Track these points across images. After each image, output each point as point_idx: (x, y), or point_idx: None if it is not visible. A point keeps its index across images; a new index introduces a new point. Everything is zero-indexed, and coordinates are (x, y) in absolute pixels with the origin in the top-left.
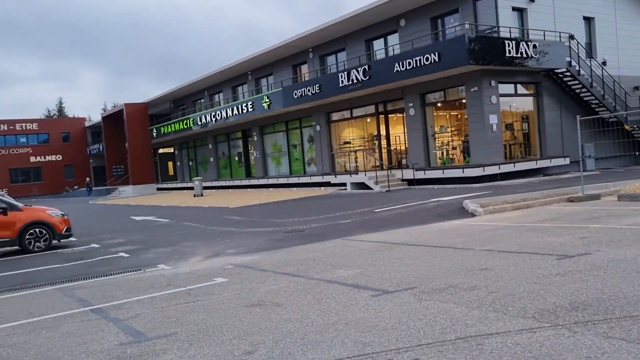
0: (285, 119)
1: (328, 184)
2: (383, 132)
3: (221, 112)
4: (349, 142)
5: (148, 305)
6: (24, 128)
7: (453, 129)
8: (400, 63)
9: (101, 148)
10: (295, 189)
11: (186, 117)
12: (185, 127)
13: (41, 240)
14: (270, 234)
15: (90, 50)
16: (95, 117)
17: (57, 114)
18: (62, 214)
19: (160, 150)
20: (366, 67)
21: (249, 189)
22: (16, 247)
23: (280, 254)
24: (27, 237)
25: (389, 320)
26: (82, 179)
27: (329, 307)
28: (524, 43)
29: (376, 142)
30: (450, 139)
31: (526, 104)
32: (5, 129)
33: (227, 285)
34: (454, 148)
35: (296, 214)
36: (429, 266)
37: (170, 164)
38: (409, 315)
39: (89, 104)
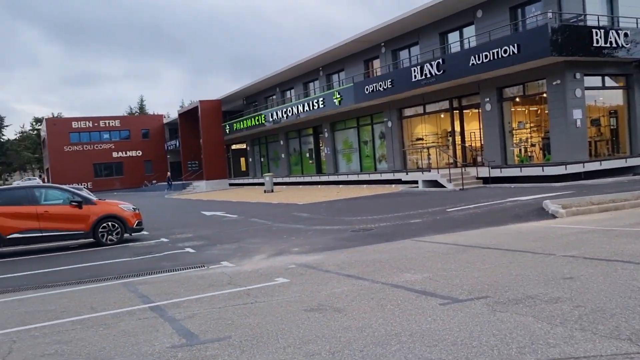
0: (357, 115)
1: (399, 182)
2: (457, 128)
3: (292, 109)
4: (422, 139)
5: (206, 305)
6: (107, 125)
7: (532, 124)
8: (477, 56)
9: (177, 144)
10: (365, 186)
11: (258, 113)
12: (257, 123)
13: (113, 234)
14: (337, 233)
15: (171, 50)
16: (173, 114)
17: (138, 111)
18: (133, 209)
19: (234, 146)
20: (440, 60)
21: (319, 186)
22: (90, 240)
23: (345, 254)
24: (100, 230)
25: (459, 333)
26: (160, 174)
27: (392, 315)
28: (613, 32)
29: (450, 138)
30: (529, 135)
31: (615, 97)
32: (90, 125)
33: (287, 286)
34: (532, 145)
35: (365, 212)
36: (504, 272)
37: (242, 159)
38: (481, 329)
39: (168, 102)
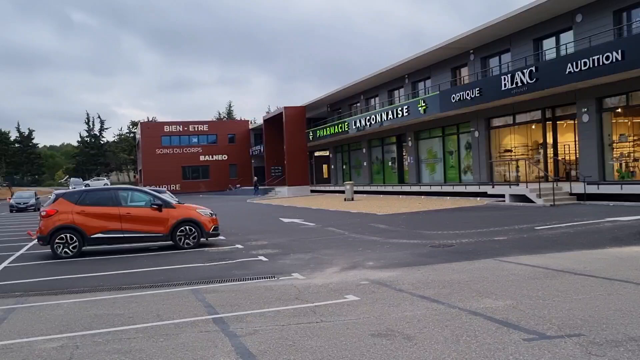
0: (442, 124)
1: (484, 195)
2: (549, 140)
3: (376, 116)
4: (510, 150)
5: (269, 321)
6: (196, 129)
7: (636, 137)
8: (574, 63)
9: (262, 149)
10: (448, 198)
11: (342, 120)
12: (341, 130)
13: (190, 238)
14: (415, 247)
15: (261, 57)
16: (259, 119)
17: (226, 116)
18: (210, 213)
19: (316, 153)
20: (533, 68)
21: (400, 196)
22: (169, 243)
23: (422, 271)
24: (178, 233)
25: None
26: (244, 178)
27: (468, 350)
28: None
29: (541, 150)
30: (631, 149)
31: None
32: (180, 129)
33: (357, 305)
34: (635, 160)
35: (446, 226)
36: (601, 306)
37: (325, 166)
38: None
39: (255, 107)
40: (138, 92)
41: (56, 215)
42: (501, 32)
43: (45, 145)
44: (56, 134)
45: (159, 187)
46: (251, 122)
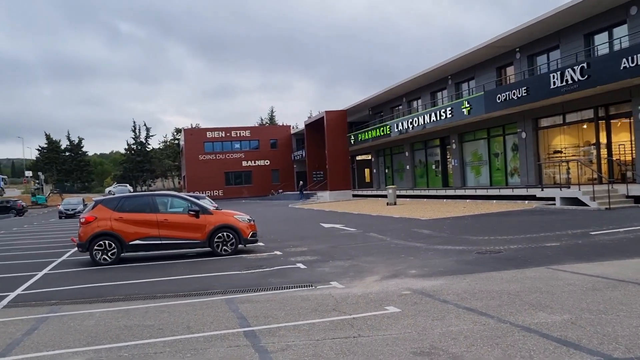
0: (487, 125)
1: (533, 198)
2: (603, 139)
3: (419, 119)
4: (560, 151)
5: (303, 335)
6: (238, 135)
7: None
8: (630, 58)
9: (303, 154)
10: (495, 201)
11: (384, 124)
12: (383, 134)
13: (228, 244)
14: (461, 254)
15: (303, 63)
16: (301, 124)
17: (268, 122)
18: (248, 219)
19: (358, 157)
20: (584, 64)
21: (444, 200)
22: (207, 249)
23: (468, 280)
24: (215, 240)
25: None
26: (287, 183)
27: None
28: None
29: (594, 151)
30: None
31: None
32: (223, 135)
33: (397, 318)
34: None
35: (493, 231)
36: None
37: (367, 170)
38: None
39: (297, 112)
40: (182, 100)
41: (95, 222)
42: (549, 28)
43: (95, 153)
44: (105, 142)
45: (202, 193)
46: (293, 127)
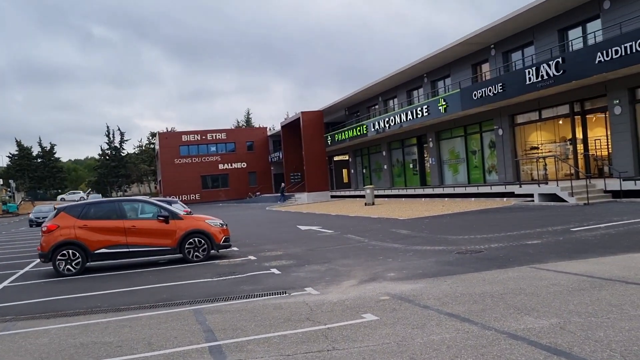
0: (464, 123)
1: (511, 195)
2: (579, 135)
3: (395, 118)
4: (537, 147)
5: (273, 350)
6: (214, 137)
7: None
8: (604, 52)
9: (281, 156)
10: (473, 199)
11: (360, 123)
12: (359, 133)
13: (200, 250)
14: (440, 254)
15: (279, 64)
16: (278, 126)
17: (244, 124)
18: (221, 224)
19: (336, 158)
20: (559, 59)
21: (422, 199)
22: (179, 256)
23: (448, 282)
24: (186, 246)
25: None
26: (264, 186)
27: None
28: None
29: (570, 147)
30: None
31: None
32: (198, 138)
33: (375, 327)
34: None
35: (473, 229)
36: None
37: (345, 171)
38: None
39: (275, 115)
40: (159, 104)
41: (57, 231)
42: (524, 24)
43: (69, 160)
44: (80, 147)
45: (177, 197)
46: (269, 129)
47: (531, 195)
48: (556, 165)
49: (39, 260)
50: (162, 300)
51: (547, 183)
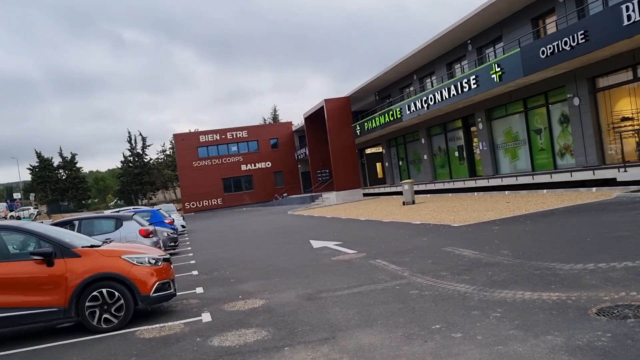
0: (523, 95)
1: (601, 183)
2: None
3: (435, 95)
4: (630, 118)
5: None
6: (234, 136)
7: None
8: None
9: (307, 152)
10: (545, 191)
11: (393, 106)
12: (392, 119)
13: (111, 310)
14: (563, 318)
15: (315, 59)
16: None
17: (271, 121)
18: (155, 259)
19: (367, 150)
20: None
21: (475, 193)
22: (75, 320)
23: None
24: (87, 304)
25: None
26: (292, 186)
27: None
28: None
29: None
30: None
31: None
32: (217, 138)
33: None
34: None
35: (586, 245)
36: None
37: (378, 165)
38: None
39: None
40: (194, 107)
41: None
42: None
43: (107, 169)
44: (118, 157)
45: (197, 203)
46: (294, 124)
47: (627, 183)
48: None
49: None
50: None
51: None
